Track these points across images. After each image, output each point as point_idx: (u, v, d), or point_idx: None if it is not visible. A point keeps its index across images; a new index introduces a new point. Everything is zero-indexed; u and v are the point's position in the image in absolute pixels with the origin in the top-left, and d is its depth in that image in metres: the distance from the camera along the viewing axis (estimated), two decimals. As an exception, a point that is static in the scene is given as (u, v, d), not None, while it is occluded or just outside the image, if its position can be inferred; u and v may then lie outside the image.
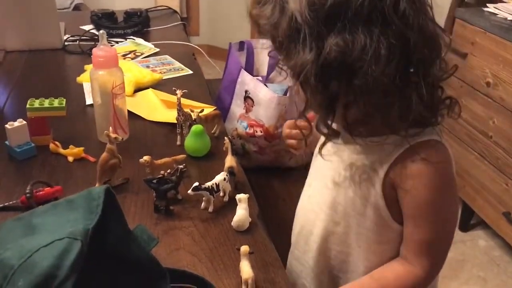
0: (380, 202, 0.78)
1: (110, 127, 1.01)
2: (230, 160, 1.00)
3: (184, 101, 1.17)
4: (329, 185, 0.85)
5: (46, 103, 1.09)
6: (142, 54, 1.68)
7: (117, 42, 1.77)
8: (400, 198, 0.77)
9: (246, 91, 1.46)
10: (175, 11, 2.17)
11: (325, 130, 0.74)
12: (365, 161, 0.78)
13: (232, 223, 0.88)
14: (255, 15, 0.72)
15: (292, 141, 0.98)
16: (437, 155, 0.74)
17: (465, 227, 2.19)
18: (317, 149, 0.89)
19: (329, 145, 0.83)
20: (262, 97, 1.41)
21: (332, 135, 0.75)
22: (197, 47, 1.84)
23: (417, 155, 0.73)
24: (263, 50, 1.64)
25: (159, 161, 0.99)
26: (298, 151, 1.01)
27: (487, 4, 2.03)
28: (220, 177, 0.93)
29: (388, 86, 0.65)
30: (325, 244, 0.87)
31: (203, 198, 0.92)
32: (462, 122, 2.05)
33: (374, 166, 0.77)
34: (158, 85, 1.43)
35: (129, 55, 1.66)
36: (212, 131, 1.19)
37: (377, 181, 0.77)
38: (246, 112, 1.47)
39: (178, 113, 1.12)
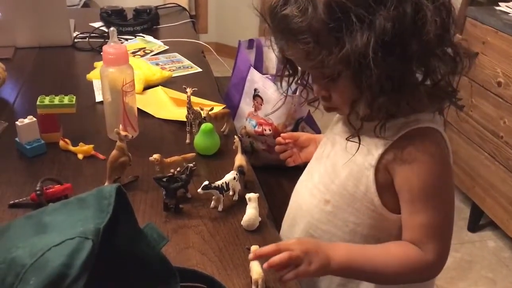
0: (371, 186, 0.78)
1: (120, 125, 1.01)
2: (240, 159, 0.99)
3: (193, 99, 1.17)
4: (327, 165, 0.86)
5: (56, 100, 1.09)
6: (151, 51, 1.68)
7: (126, 40, 1.77)
8: (396, 184, 0.77)
9: (255, 89, 1.46)
10: (184, 9, 2.17)
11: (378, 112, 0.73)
12: (365, 143, 0.79)
13: (242, 222, 0.88)
14: (286, 15, 0.70)
15: (285, 154, 1.04)
16: (433, 141, 0.75)
17: (474, 228, 2.18)
18: (326, 134, 0.93)
19: (336, 127, 0.87)
20: (271, 95, 1.41)
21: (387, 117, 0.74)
22: (206, 44, 1.84)
23: (414, 140, 0.75)
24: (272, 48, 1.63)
25: (169, 159, 0.99)
26: (295, 163, 1.05)
27: (499, 3, 2.01)
28: (229, 176, 0.93)
29: (439, 42, 0.69)
30: (312, 221, 0.87)
31: (213, 197, 0.92)
32: (472, 122, 2.03)
33: (370, 149, 0.78)
34: (168, 83, 1.43)
35: (138, 53, 1.66)
36: (222, 130, 1.19)
37: (371, 164, 0.78)
38: (255, 110, 1.47)
39: (188, 111, 1.12)
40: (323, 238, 0.87)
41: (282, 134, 1.05)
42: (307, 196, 0.89)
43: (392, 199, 0.79)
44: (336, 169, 0.83)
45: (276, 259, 0.70)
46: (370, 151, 0.78)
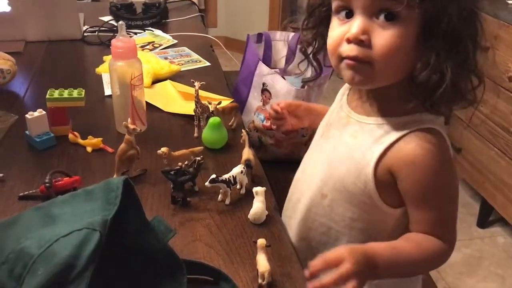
0: (370, 183, 0.77)
1: (129, 118, 1.01)
2: (247, 153, 0.99)
3: (202, 93, 1.17)
4: (324, 157, 0.86)
5: (66, 93, 1.09)
6: (160, 45, 1.68)
7: (135, 33, 1.78)
8: (400, 183, 0.76)
9: (263, 84, 1.45)
10: (193, 3, 2.17)
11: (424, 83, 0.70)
12: (364, 139, 0.78)
13: (248, 216, 0.88)
14: None
15: (276, 121, 1.01)
16: (436, 142, 0.74)
17: (483, 224, 2.16)
18: (321, 124, 0.91)
19: (334, 119, 0.84)
20: (280, 90, 1.40)
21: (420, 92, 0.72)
22: (215, 38, 1.84)
23: (416, 141, 0.73)
24: (281, 42, 1.63)
25: (177, 153, 0.99)
26: (281, 129, 1.03)
27: (511, -3, 1.98)
28: (237, 170, 0.93)
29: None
30: (309, 214, 0.87)
31: (220, 190, 0.92)
32: (482, 117, 2.01)
33: (370, 147, 0.77)
34: (176, 77, 1.43)
35: (147, 47, 1.66)
36: (230, 123, 1.19)
37: (370, 161, 0.77)
38: (263, 104, 1.46)
39: (195, 105, 1.12)
40: (320, 230, 0.88)
41: (280, 105, 1.00)
42: (305, 189, 0.89)
43: (390, 195, 0.78)
44: (334, 164, 0.82)
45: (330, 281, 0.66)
46: (370, 148, 0.77)
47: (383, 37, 0.68)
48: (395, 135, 0.75)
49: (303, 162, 0.95)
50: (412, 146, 0.73)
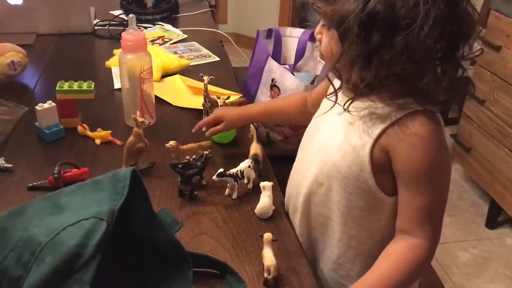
0: (367, 166, 0.77)
1: (137, 111, 1.02)
2: (255, 148, 0.99)
3: (210, 87, 1.17)
4: (318, 146, 0.86)
5: (75, 86, 1.10)
6: (170, 40, 1.68)
7: (146, 28, 1.78)
8: (395, 165, 0.76)
9: (272, 79, 1.45)
10: (204, -2, 2.17)
11: (359, 84, 0.73)
12: (362, 122, 0.78)
13: (255, 211, 0.88)
14: None
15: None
16: (435, 123, 0.74)
17: (492, 225, 2.14)
18: (317, 114, 0.92)
19: (328, 105, 0.84)
20: (289, 86, 1.40)
21: (365, 91, 0.74)
22: (225, 34, 1.84)
23: (415, 122, 0.74)
24: (291, 38, 1.62)
25: (185, 147, 0.99)
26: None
27: (525, -4, 1.96)
28: (244, 164, 0.93)
29: (426, 53, 0.67)
30: (307, 204, 0.88)
31: (227, 185, 0.92)
32: (493, 117, 2.00)
33: (367, 129, 0.77)
34: (185, 71, 1.44)
35: (157, 41, 1.67)
36: (238, 118, 1.18)
37: (367, 143, 0.77)
38: (272, 100, 1.46)
39: (204, 99, 1.12)
40: (319, 220, 0.87)
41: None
42: (303, 180, 0.88)
43: (385, 181, 0.78)
44: (329, 150, 0.82)
45: None
46: (366, 131, 0.77)
47: (326, 38, 0.77)
48: (395, 115, 0.75)
49: (298, 154, 0.94)
50: (412, 125, 0.74)
